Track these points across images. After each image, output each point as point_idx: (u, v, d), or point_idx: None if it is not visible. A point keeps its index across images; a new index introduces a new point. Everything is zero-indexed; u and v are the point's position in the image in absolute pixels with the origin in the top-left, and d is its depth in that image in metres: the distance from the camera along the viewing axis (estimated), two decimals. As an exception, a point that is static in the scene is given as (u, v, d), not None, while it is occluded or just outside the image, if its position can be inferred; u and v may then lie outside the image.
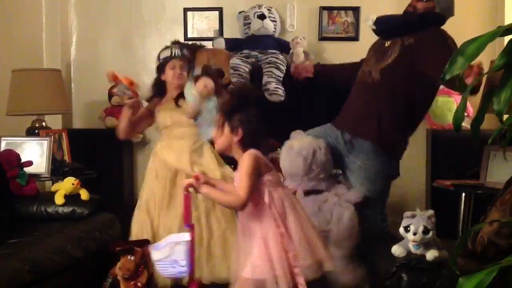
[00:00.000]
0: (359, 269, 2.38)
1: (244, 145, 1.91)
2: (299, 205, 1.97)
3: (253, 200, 1.87)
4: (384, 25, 2.73)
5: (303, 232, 1.87)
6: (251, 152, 1.88)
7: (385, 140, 2.60)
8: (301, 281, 1.81)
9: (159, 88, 2.90)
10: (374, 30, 2.76)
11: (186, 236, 1.92)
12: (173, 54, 2.83)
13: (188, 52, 2.92)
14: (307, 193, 2.52)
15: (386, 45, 2.68)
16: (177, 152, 2.76)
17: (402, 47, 2.59)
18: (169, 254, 1.89)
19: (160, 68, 2.87)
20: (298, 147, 2.55)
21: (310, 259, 1.85)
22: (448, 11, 2.68)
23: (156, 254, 1.92)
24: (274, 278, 1.79)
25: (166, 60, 2.83)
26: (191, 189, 1.93)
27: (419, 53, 2.53)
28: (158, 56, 2.90)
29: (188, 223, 1.96)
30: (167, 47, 2.88)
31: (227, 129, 1.92)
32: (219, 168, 2.75)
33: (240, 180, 1.85)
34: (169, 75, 2.83)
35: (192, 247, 1.92)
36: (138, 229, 2.69)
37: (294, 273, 1.82)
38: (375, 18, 2.73)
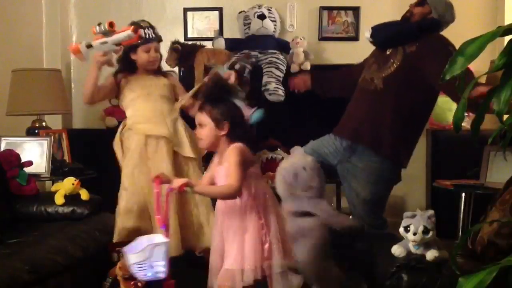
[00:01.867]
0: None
1: (231, 139, 1.90)
2: (275, 199, 2.02)
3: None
4: (380, 36, 2.72)
5: (281, 229, 1.92)
6: (237, 145, 1.88)
7: (387, 147, 2.59)
8: (269, 274, 1.85)
9: (129, 65, 2.78)
10: (371, 42, 2.75)
11: (161, 237, 1.90)
12: (147, 36, 2.69)
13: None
14: (295, 214, 2.40)
15: (388, 52, 2.67)
16: (156, 120, 2.70)
17: (404, 56, 2.59)
18: (147, 257, 1.87)
19: (132, 48, 2.72)
20: (281, 168, 2.46)
21: (281, 252, 1.88)
22: (447, 17, 2.66)
23: (133, 257, 1.89)
24: (241, 270, 1.83)
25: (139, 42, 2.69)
26: (188, 188, 1.88)
27: (421, 61, 2.52)
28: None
29: (164, 224, 1.92)
30: (139, 26, 2.68)
31: (211, 124, 1.90)
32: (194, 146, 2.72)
33: (229, 171, 1.85)
34: (143, 57, 2.71)
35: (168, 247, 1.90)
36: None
37: (266, 265, 1.85)
38: (371, 30, 2.72)
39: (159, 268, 1.87)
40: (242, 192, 1.85)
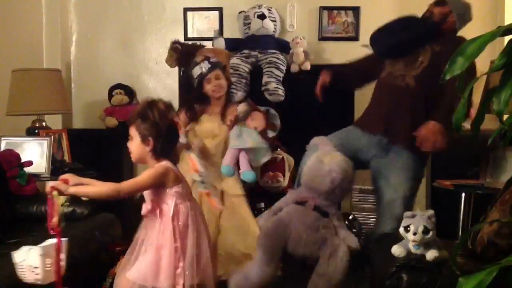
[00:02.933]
0: None
1: (156, 154, 1.92)
2: (203, 222, 1.99)
3: (158, 209, 1.90)
4: (380, 47, 2.71)
5: (197, 250, 1.90)
6: (162, 164, 1.90)
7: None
8: None
9: (202, 99, 3.06)
10: (375, 51, 2.75)
11: (49, 242, 1.85)
12: (203, 70, 2.96)
13: (216, 57, 3.04)
14: (315, 208, 2.51)
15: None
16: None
17: (432, 54, 2.59)
18: (24, 259, 1.84)
19: (199, 86, 3.02)
20: (330, 165, 2.47)
21: (194, 279, 1.87)
22: (465, 16, 2.69)
23: (14, 256, 1.86)
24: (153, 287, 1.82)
25: (202, 77, 2.98)
26: (55, 192, 1.84)
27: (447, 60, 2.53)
28: (191, 74, 3.05)
29: (52, 229, 1.85)
30: (196, 64, 3.00)
31: (137, 139, 1.92)
32: (240, 188, 2.95)
33: (139, 176, 1.90)
34: (208, 89, 3.01)
35: (58, 253, 1.84)
36: None
37: None
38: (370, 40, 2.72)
39: (35, 275, 1.81)
40: (122, 196, 1.85)
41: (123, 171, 3.81)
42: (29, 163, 2.99)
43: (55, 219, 1.83)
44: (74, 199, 2.79)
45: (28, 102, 3.38)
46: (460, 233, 3.03)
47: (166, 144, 1.92)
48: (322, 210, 2.50)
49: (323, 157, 2.52)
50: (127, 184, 1.87)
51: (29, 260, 1.82)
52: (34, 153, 3.29)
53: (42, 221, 2.68)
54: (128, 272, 1.89)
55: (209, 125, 3.06)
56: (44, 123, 3.57)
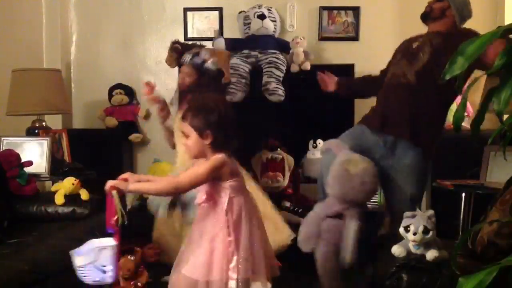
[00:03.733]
0: None
1: (216, 147, 1.86)
2: (257, 217, 1.94)
3: (213, 202, 1.86)
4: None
5: (251, 245, 1.86)
6: (218, 157, 1.83)
7: (426, 142, 2.62)
8: None
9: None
10: None
11: (110, 241, 1.85)
12: (183, 59, 2.91)
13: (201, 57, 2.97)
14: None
15: (414, 46, 2.69)
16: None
17: (432, 49, 2.60)
18: (94, 260, 1.83)
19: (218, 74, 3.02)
20: (360, 176, 2.37)
21: (249, 273, 1.83)
22: (465, 11, 2.71)
23: (79, 259, 1.84)
24: (206, 283, 1.79)
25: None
26: (114, 192, 1.82)
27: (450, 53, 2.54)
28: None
29: (112, 227, 1.85)
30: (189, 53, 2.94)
31: (194, 134, 1.86)
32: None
33: (194, 167, 1.83)
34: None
35: (118, 252, 1.85)
36: None
37: (228, 284, 1.80)
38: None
39: (106, 273, 1.82)
40: (183, 190, 1.84)
41: (123, 171, 3.79)
42: (29, 163, 2.99)
43: (114, 218, 1.83)
44: (74, 199, 2.81)
45: (28, 102, 3.38)
46: (460, 233, 3.03)
47: (224, 136, 1.85)
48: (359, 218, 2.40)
49: (348, 165, 2.41)
50: (184, 180, 1.80)
51: (100, 260, 1.82)
52: (34, 153, 3.29)
53: (42, 221, 2.71)
54: (184, 268, 1.86)
55: None
56: (44, 123, 3.57)
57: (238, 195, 1.88)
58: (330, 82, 3.10)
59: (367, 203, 2.59)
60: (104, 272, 1.82)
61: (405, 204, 2.60)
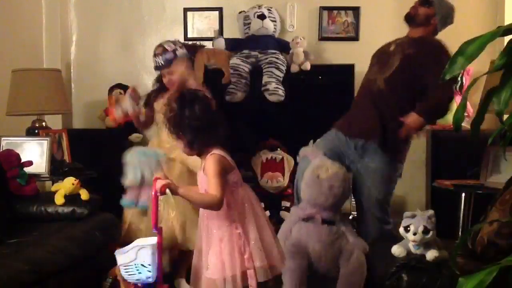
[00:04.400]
0: None
1: (200, 146, 1.87)
2: (259, 206, 1.97)
3: None
4: None
5: (259, 234, 1.88)
6: (213, 154, 1.85)
7: (394, 146, 2.67)
8: (252, 283, 1.82)
9: (161, 85, 2.90)
10: None
11: (153, 240, 1.88)
12: (158, 64, 2.78)
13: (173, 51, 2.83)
14: (323, 221, 2.49)
15: (388, 52, 2.74)
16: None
17: (403, 57, 2.65)
18: (134, 258, 1.84)
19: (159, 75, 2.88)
20: (328, 180, 2.47)
21: (264, 261, 1.85)
22: (448, 19, 2.75)
23: (121, 258, 1.86)
24: (223, 279, 1.81)
25: (156, 69, 2.83)
26: (168, 191, 1.83)
27: (419, 68, 2.61)
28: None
29: (156, 227, 1.88)
30: (154, 57, 2.81)
31: (176, 137, 1.89)
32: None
33: (209, 181, 1.82)
34: (165, 81, 2.83)
35: (160, 250, 1.87)
36: None
37: (246, 275, 1.82)
38: None
39: (147, 272, 1.84)
40: (223, 202, 1.81)
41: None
42: (29, 163, 2.98)
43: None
44: (74, 199, 2.81)
45: (28, 102, 3.38)
46: (460, 233, 3.03)
47: (197, 134, 1.85)
48: (330, 221, 2.49)
49: (319, 171, 2.51)
50: (215, 190, 1.79)
51: (140, 258, 1.83)
52: (34, 153, 3.29)
53: (42, 221, 2.71)
54: (206, 271, 1.88)
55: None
56: (44, 123, 3.57)
57: (237, 188, 1.91)
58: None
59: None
60: (145, 271, 1.83)
61: (374, 206, 2.70)
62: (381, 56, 2.77)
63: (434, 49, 2.64)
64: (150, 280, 1.85)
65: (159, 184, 1.82)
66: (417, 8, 2.75)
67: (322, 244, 2.41)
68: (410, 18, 2.77)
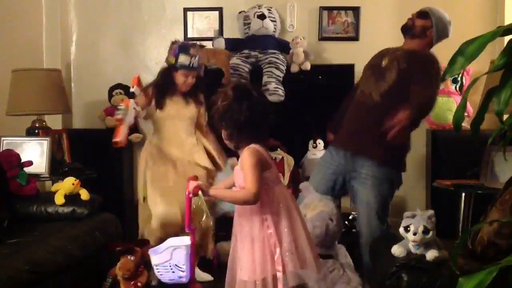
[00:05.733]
0: None
1: (238, 140, 1.86)
2: (295, 207, 1.91)
3: None
4: None
5: (293, 236, 1.82)
6: (250, 147, 1.83)
7: (389, 157, 2.65)
8: (280, 286, 1.77)
9: (169, 81, 2.92)
10: None
11: (186, 240, 1.89)
12: (191, 65, 2.84)
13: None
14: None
15: (383, 65, 2.71)
16: (179, 144, 2.92)
17: (398, 71, 2.63)
18: (168, 259, 1.85)
19: (173, 69, 2.88)
20: (312, 221, 2.53)
21: (296, 265, 1.80)
22: (443, 33, 2.74)
23: (155, 258, 1.88)
24: (254, 282, 1.77)
25: (182, 66, 2.84)
26: (200, 193, 1.85)
27: (412, 80, 2.59)
28: (177, 57, 2.86)
29: (190, 227, 1.89)
30: (187, 54, 2.83)
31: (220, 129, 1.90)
32: (209, 164, 2.93)
33: (245, 175, 1.79)
34: (179, 80, 2.89)
35: (192, 251, 1.88)
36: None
37: (276, 277, 1.77)
38: None
39: (180, 272, 1.84)
40: (259, 197, 1.77)
41: (123, 171, 3.81)
42: (29, 163, 2.99)
43: (203, 218, 1.89)
44: (74, 199, 2.81)
45: (28, 102, 3.38)
46: (460, 233, 3.03)
47: (237, 129, 1.84)
48: (324, 255, 2.50)
49: (306, 210, 2.58)
50: (250, 184, 1.76)
51: (175, 259, 1.85)
52: (34, 153, 3.29)
53: (42, 221, 2.71)
54: (240, 273, 1.84)
55: (174, 107, 2.95)
56: (44, 123, 3.57)
57: (273, 187, 1.86)
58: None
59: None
60: (179, 271, 1.84)
61: (371, 214, 2.68)
62: (377, 69, 2.74)
63: (426, 64, 2.64)
64: (184, 280, 1.85)
65: (192, 185, 1.83)
66: (414, 19, 2.73)
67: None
68: (407, 30, 2.75)
